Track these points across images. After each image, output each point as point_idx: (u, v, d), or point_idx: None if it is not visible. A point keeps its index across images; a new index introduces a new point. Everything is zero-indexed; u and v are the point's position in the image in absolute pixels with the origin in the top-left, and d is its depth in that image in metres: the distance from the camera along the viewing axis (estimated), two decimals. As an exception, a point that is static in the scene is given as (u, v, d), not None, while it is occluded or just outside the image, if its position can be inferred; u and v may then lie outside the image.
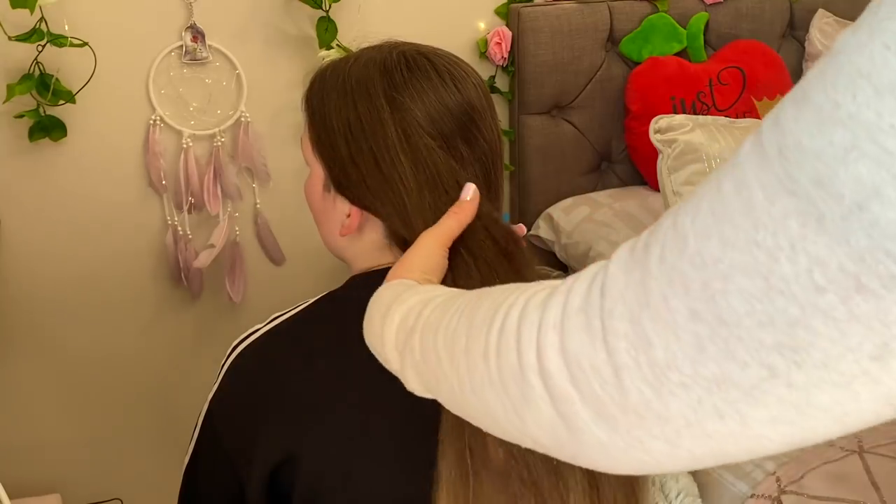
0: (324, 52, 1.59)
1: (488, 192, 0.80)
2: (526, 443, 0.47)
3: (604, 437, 0.41)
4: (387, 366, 0.64)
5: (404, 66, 0.77)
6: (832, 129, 0.32)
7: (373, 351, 0.66)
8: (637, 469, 0.42)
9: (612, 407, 0.39)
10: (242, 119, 1.63)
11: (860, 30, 0.32)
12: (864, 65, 0.32)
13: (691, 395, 0.37)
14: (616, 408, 0.39)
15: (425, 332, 0.55)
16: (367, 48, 0.83)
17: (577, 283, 0.43)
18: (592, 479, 0.68)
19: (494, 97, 1.78)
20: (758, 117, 1.81)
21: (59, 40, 1.41)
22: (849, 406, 0.35)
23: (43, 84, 1.44)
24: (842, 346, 0.33)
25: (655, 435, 0.39)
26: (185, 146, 1.60)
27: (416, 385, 0.59)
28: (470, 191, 0.75)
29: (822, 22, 1.96)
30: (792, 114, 0.34)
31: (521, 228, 0.79)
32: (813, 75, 0.34)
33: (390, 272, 0.71)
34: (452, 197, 0.76)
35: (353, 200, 0.81)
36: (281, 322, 0.83)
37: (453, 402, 0.54)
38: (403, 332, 0.59)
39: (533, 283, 0.48)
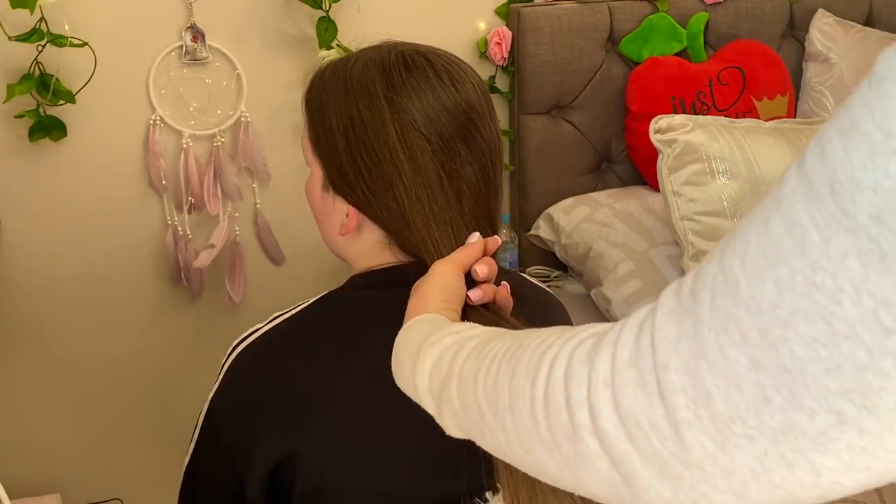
0: (324, 52, 1.59)
1: (487, 192, 0.80)
2: (582, 493, 0.46)
3: (668, 494, 0.39)
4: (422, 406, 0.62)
5: (402, 66, 0.77)
6: (887, 159, 0.31)
7: (405, 392, 0.64)
8: None
9: (674, 464, 0.38)
10: (242, 119, 1.63)
11: None
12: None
13: (757, 446, 0.36)
14: (679, 464, 0.38)
15: (463, 382, 0.53)
16: (367, 48, 0.83)
17: (624, 332, 0.41)
18: None
19: (494, 97, 1.78)
20: (758, 117, 1.81)
21: (59, 40, 1.41)
22: None
23: (43, 84, 1.44)
24: None
25: (721, 489, 0.38)
26: (185, 146, 1.60)
27: (455, 432, 0.57)
28: (474, 237, 0.75)
29: (822, 22, 1.96)
30: (840, 145, 0.33)
31: (495, 240, 0.78)
32: (857, 102, 0.33)
33: (409, 306, 0.69)
34: (449, 200, 0.76)
35: (350, 201, 0.81)
36: (281, 322, 0.83)
37: (500, 453, 0.52)
38: (438, 378, 0.57)
39: (573, 330, 0.46)
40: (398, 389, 0.65)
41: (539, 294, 0.95)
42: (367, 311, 0.82)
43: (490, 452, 0.54)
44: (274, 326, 0.83)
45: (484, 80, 0.84)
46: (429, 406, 0.60)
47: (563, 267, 1.87)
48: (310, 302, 0.85)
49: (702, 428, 0.37)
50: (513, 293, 0.77)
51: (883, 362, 0.32)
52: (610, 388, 0.40)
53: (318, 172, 0.84)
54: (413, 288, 0.73)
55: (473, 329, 0.61)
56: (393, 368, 0.66)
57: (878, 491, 1.11)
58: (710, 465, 0.37)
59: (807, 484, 0.36)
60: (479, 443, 0.55)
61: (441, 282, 0.70)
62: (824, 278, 0.33)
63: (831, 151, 0.33)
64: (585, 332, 0.45)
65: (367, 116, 0.77)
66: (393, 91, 0.76)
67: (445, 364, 0.57)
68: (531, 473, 0.50)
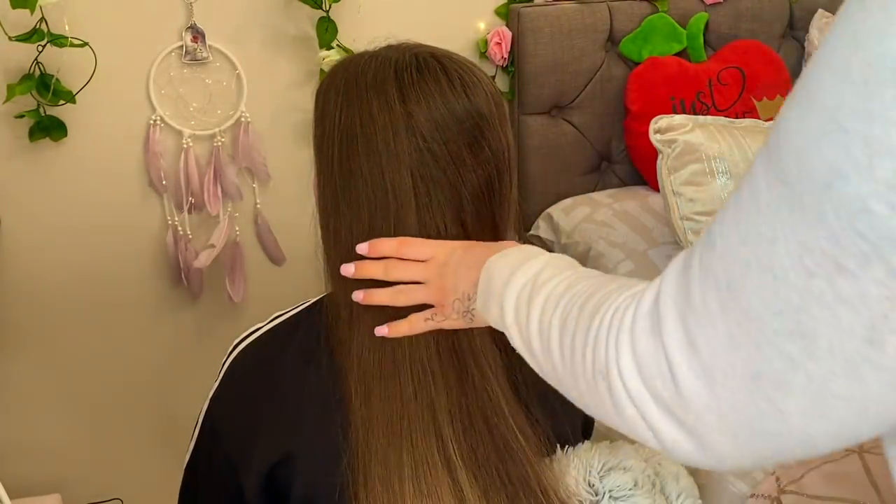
0: (324, 52, 1.59)
1: (491, 201, 0.79)
2: (622, 431, 0.50)
3: (677, 435, 0.43)
4: (493, 315, 0.65)
5: (415, 68, 0.76)
6: (809, 115, 0.35)
7: (484, 290, 0.67)
8: (714, 466, 0.45)
9: (675, 406, 0.42)
10: (242, 119, 1.63)
11: (833, 28, 0.36)
12: (825, 55, 0.35)
13: (735, 394, 0.39)
14: (678, 407, 0.42)
15: (548, 302, 0.58)
16: (385, 47, 0.81)
17: (648, 290, 0.46)
18: None
19: (494, 97, 1.77)
20: (758, 117, 1.81)
21: (59, 40, 1.41)
22: (863, 396, 0.36)
23: (43, 84, 1.44)
24: (838, 330, 0.35)
25: (718, 431, 0.41)
26: (185, 146, 1.60)
27: (518, 340, 0.62)
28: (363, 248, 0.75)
29: (821, 22, 1.96)
30: (784, 111, 0.38)
31: (345, 269, 0.77)
32: (800, 78, 0.38)
33: (460, 278, 0.71)
34: (432, 215, 0.75)
35: (322, 200, 0.80)
36: (281, 322, 0.84)
37: (553, 376, 0.57)
38: (529, 287, 0.61)
39: (632, 283, 0.51)
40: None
41: None
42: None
43: (542, 374, 0.60)
44: (274, 326, 0.83)
45: (499, 90, 0.82)
46: (507, 316, 0.63)
47: (563, 267, 1.87)
48: (310, 302, 0.85)
49: (691, 371, 0.41)
50: None
51: (811, 305, 0.35)
52: (630, 335, 0.45)
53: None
54: (449, 270, 0.73)
55: (570, 261, 0.65)
56: (482, 280, 0.67)
57: (877, 491, 1.11)
58: (701, 406, 0.41)
59: (782, 435, 0.39)
60: (536, 363, 0.60)
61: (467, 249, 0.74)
62: (766, 229, 0.37)
63: (782, 119, 0.38)
64: (637, 287, 0.50)
65: (369, 116, 0.76)
66: (402, 92, 0.75)
67: (544, 276, 0.61)
68: (576, 402, 0.55)
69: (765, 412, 0.39)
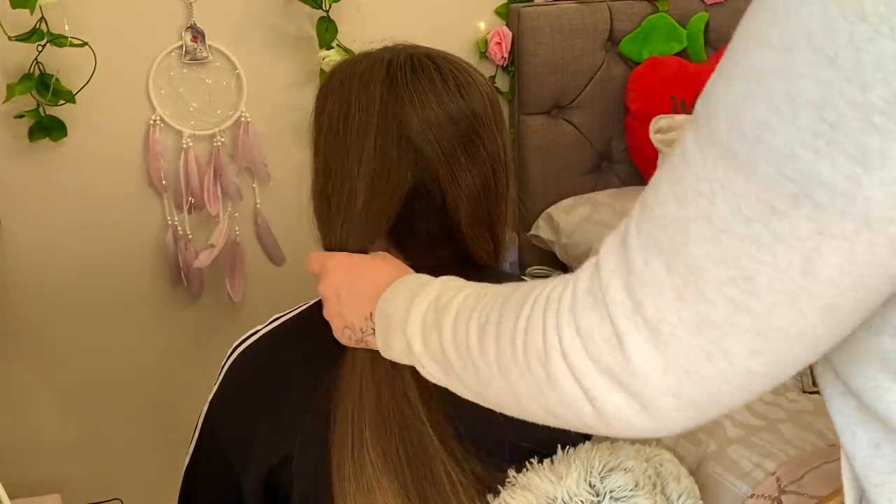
0: (324, 52, 1.59)
1: (487, 201, 0.79)
2: (548, 420, 0.52)
3: (620, 401, 0.45)
4: (397, 350, 0.65)
5: (409, 68, 0.76)
6: (735, 80, 0.40)
7: (382, 328, 0.67)
8: (651, 431, 0.47)
9: (622, 374, 0.44)
10: (242, 119, 1.63)
11: (752, 5, 0.41)
12: (748, 31, 0.41)
13: (682, 343, 0.42)
14: (625, 373, 0.44)
15: (460, 315, 0.59)
16: (381, 49, 0.81)
17: (582, 271, 0.49)
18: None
19: (494, 97, 1.77)
20: (758, 117, 1.81)
21: (59, 40, 1.41)
22: (803, 325, 0.40)
23: (43, 84, 1.44)
24: (776, 267, 0.39)
25: (662, 391, 0.44)
26: (185, 146, 1.60)
27: (434, 371, 0.63)
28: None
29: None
30: (712, 82, 0.42)
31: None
32: (726, 49, 0.42)
33: (357, 296, 0.72)
34: (383, 219, 0.76)
35: (313, 201, 0.80)
36: (280, 324, 0.83)
37: (475, 387, 0.58)
38: (433, 311, 0.62)
39: (556, 277, 0.53)
40: None
41: None
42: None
43: (462, 393, 0.61)
44: (273, 328, 0.83)
45: (494, 90, 0.82)
46: (414, 341, 0.63)
47: (563, 267, 1.87)
48: (309, 304, 0.85)
49: (639, 334, 0.43)
50: None
51: (751, 248, 0.39)
52: (572, 313, 0.47)
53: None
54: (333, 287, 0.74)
55: (472, 284, 0.65)
56: (383, 303, 0.68)
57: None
58: (648, 368, 0.43)
59: (727, 374, 0.42)
60: (453, 382, 0.60)
61: (370, 262, 0.74)
62: (704, 186, 0.41)
63: (708, 88, 0.42)
64: (564, 277, 0.52)
65: (356, 116, 0.76)
66: (393, 93, 0.75)
67: (445, 298, 0.62)
68: (501, 406, 0.57)
69: (710, 354, 0.42)
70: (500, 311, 0.54)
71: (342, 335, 0.74)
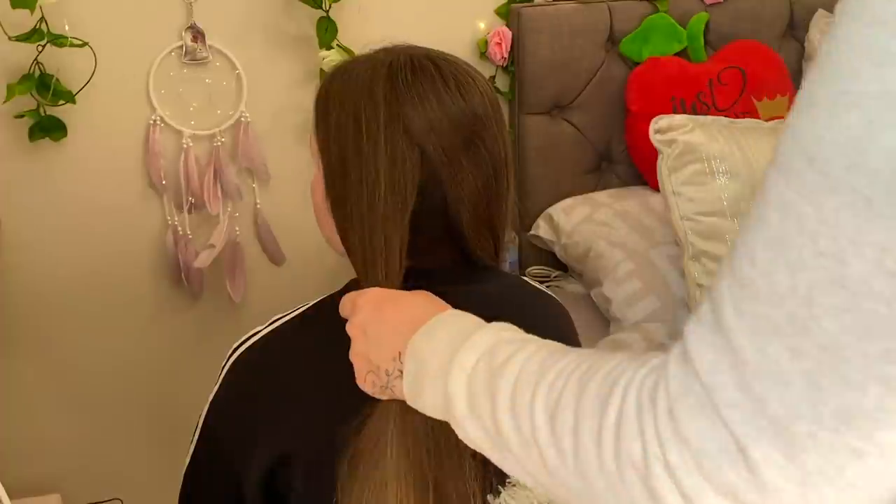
0: (324, 52, 1.59)
1: (488, 201, 0.79)
2: None
3: None
4: (429, 403, 0.58)
5: (409, 69, 0.76)
6: (847, 114, 0.33)
7: (413, 375, 0.59)
8: None
9: (747, 491, 0.36)
10: (242, 119, 1.63)
11: (838, 25, 0.34)
12: (860, 45, 0.33)
13: (823, 443, 0.34)
14: (752, 491, 0.36)
15: (521, 384, 0.50)
16: (380, 49, 0.81)
17: (671, 366, 0.40)
18: None
19: (494, 97, 1.77)
20: (758, 117, 1.81)
21: (59, 40, 1.40)
22: None
23: (43, 84, 1.43)
24: None
25: (795, 500, 0.36)
26: (185, 146, 1.60)
27: (477, 435, 0.53)
28: None
29: (821, 22, 1.96)
30: (806, 121, 0.34)
31: None
32: (810, 81, 0.35)
33: (396, 323, 0.65)
34: (391, 227, 0.74)
35: (332, 207, 0.80)
36: (281, 325, 0.83)
37: (540, 475, 0.49)
38: (485, 372, 0.53)
39: (643, 357, 0.44)
40: None
41: (539, 305, 0.93)
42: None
43: (516, 473, 0.52)
44: (273, 329, 0.83)
45: (494, 91, 0.82)
46: (457, 405, 0.54)
47: (563, 267, 1.87)
48: (309, 305, 0.85)
49: (765, 440, 0.35)
50: (513, 299, 0.77)
51: None
52: (672, 419, 0.39)
53: (318, 173, 0.83)
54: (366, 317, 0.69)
55: (522, 333, 0.57)
56: (409, 362, 0.60)
57: None
58: (782, 482, 0.35)
59: (880, 473, 0.34)
60: (507, 460, 0.52)
61: (404, 296, 0.68)
62: (826, 243, 0.33)
63: (800, 129, 0.35)
64: (653, 362, 0.43)
65: (363, 118, 0.76)
66: (396, 94, 0.75)
67: (502, 355, 0.52)
68: (567, 502, 0.47)
69: (861, 452, 0.34)
70: (579, 392, 0.45)
71: (365, 382, 0.68)
